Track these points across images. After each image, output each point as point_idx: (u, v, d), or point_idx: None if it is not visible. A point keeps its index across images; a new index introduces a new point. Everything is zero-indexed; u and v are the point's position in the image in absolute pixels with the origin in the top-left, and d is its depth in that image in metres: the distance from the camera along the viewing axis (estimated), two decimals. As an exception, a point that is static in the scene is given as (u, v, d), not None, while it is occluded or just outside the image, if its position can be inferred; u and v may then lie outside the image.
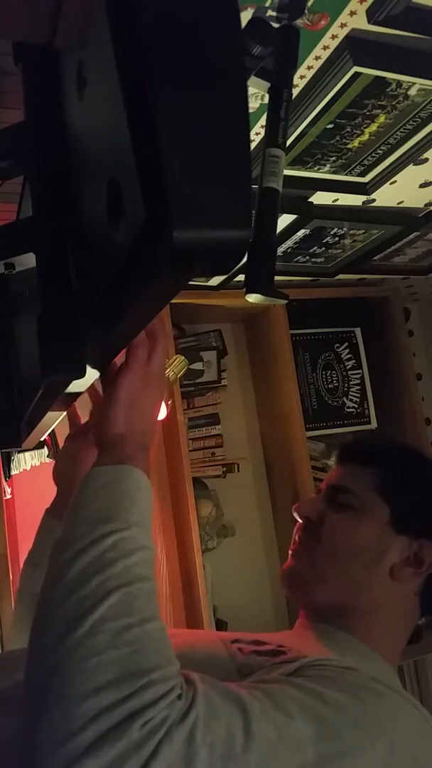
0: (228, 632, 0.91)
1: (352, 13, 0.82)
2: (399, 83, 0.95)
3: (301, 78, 0.95)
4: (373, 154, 1.17)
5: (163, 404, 1.57)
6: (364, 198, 1.34)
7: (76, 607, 0.52)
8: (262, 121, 0.99)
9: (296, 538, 0.89)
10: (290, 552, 0.89)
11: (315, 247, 1.63)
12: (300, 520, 0.89)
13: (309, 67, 0.93)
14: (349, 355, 2.08)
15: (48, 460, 1.69)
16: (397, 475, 0.86)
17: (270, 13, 0.80)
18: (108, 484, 0.62)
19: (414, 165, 1.22)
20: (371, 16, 0.83)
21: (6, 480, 1.91)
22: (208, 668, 0.64)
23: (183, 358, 1.67)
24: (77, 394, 0.79)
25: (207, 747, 0.49)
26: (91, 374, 0.67)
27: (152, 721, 0.48)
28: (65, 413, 0.90)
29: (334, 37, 0.86)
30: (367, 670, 0.67)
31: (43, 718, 0.49)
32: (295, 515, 0.90)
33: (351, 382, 2.07)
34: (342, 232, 1.55)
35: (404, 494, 0.84)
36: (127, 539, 0.57)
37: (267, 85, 0.74)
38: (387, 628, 0.80)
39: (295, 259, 1.70)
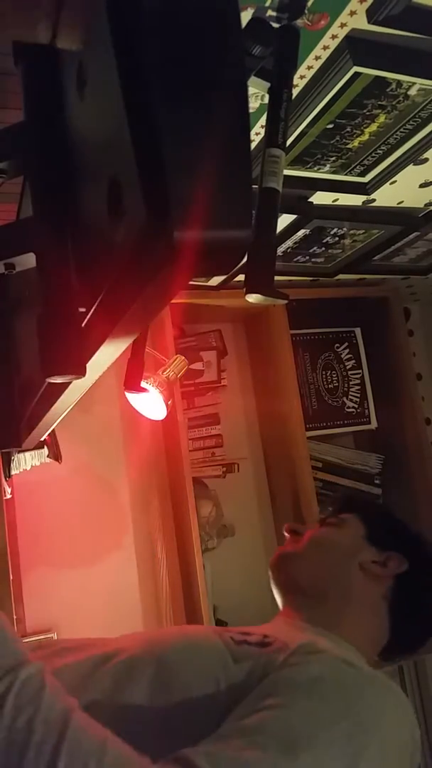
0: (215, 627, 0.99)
1: (352, 13, 0.82)
2: (399, 83, 0.95)
3: (301, 78, 0.95)
4: (373, 154, 1.17)
5: (163, 404, 1.57)
6: (364, 198, 1.34)
7: None
8: (262, 121, 0.99)
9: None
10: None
11: (315, 247, 1.63)
12: (288, 535, 1.02)
13: (309, 67, 0.93)
14: (349, 355, 2.08)
15: (48, 460, 1.69)
16: (375, 514, 1.03)
17: (270, 13, 0.80)
18: None
19: (414, 165, 1.22)
20: (371, 16, 0.83)
21: (6, 480, 1.91)
22: (205, 655, 0.68)
23: (183, 358, 1.67)
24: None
25: None
26: (91, 375, 0.67)
27: None
28: (65, 412, 0.90)
29: (334, 37, 0.86)
30: (341, 655, 0.72)
31: None
32: (285, 533, 1.03)
33: (351, 382, 2.07)
34: (342, 232, 1.55)
35: (378, 521, 1.01)
36: (16, 690, 0.52)
37: (267, 85, 0.74)
38: (358, 624, 0.88)
39: (295, 259, 1.70)
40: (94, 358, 0.65)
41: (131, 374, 1.14)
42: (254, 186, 0.59)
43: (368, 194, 1.32)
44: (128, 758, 0.53)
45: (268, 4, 0.78)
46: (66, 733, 0.51)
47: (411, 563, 0.93)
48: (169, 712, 0.64)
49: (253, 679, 0.66)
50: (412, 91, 0.98)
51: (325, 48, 0.89)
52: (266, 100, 0.74)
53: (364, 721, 0.61)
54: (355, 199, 1.35)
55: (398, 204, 1.43)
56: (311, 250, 1.65)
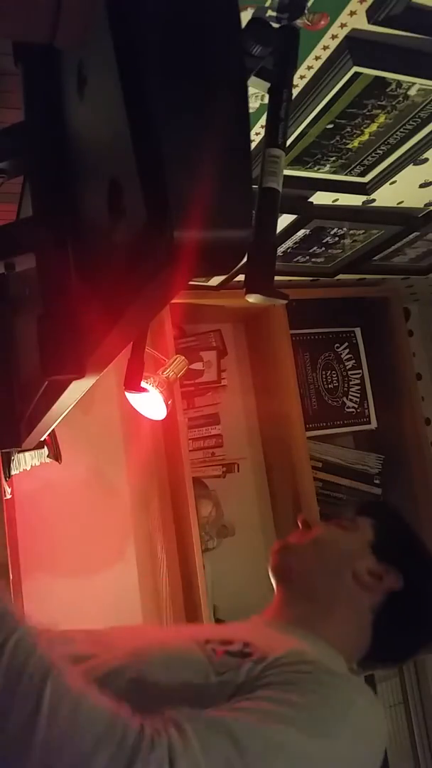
0: (195, 627, 1.01)
1: (352, 13, 0.82)
2: (399, 83, 0.95)
3: (301, 78, 0.95)
4: (373, 154, 1.17)
5: (163, 404, 1.57)
6: (364, 198, 1.34)
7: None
8: (262, 121, 0.99)
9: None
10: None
11: (315, 247, 1.63)
12: (300, 526, 1.04)
13: (309, 67, 0.93)
14: (349, 355, 2.08)
15: (48, 460, 1.69)
16: (390, 525, 1.02)
17: (270, 13, 0.80)
18: None
19: (414, 165, 1.22)
20: (371, 16, 0.83)
21: (6, 480, 1.91)
22: (185, 667, 0.70)
23: (183, 358, 1.67)
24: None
25: None
26: (91, 375, 0.67)
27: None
28: (65, 412, 0.90)
29: (334, 37, 0.86)
30: (319, 658, 0.75)
31: None
32: (299, 523, 1.05)
33: (351, 382, 2.07)
34: (342, 232, 1.55)
35: (390, 532, 1.00)
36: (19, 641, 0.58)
37: (267, 85, 0.74)
38: (342, 629, 0.89)
39: (295, 259, 1.70)
40: (93, 358, 0.65)
41: (131, 374, 1.14)
42: (254, 186, 0.59)
43: (368, 194, 1.32)
44: (108, 704, 0.58)
45: (268, 4, 0.78)
46: (52, 670, 0.57)
47: (407, 583, 0.92)
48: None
49: (230, 688, 0.69)
50: (412, 91, 0.98)
51: (325, 48, 0.89)
52: (266, 100, 0.74)
53: (339, 710, 0.67)
54: (355, 199, 1.35)
55: (398, 204, 1.43)
56: (311, 250, 1.65)
